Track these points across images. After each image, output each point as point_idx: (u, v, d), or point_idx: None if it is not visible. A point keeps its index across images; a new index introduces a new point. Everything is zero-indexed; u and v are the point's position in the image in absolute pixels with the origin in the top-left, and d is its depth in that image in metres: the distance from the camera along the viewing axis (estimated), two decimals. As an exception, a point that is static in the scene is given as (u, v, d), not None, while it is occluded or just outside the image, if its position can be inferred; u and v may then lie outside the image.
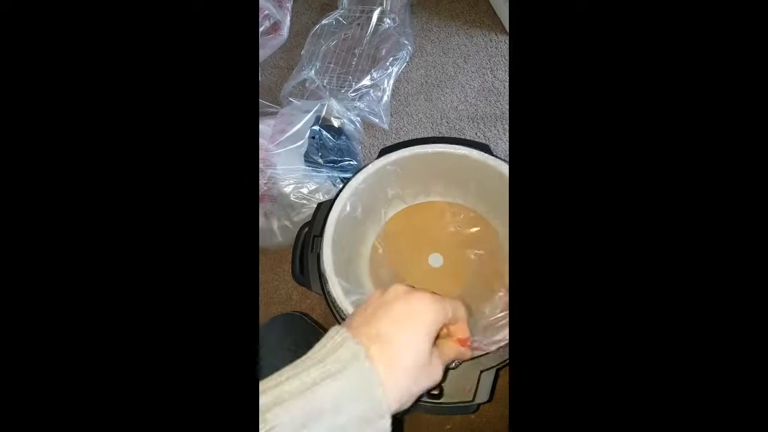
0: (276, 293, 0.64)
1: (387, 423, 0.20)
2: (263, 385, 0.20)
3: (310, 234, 0.43)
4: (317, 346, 0.22)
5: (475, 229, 0.46)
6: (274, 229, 0.58)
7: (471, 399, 0.32)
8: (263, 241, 0.61)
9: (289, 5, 0.81)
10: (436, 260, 0.45)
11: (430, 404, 0.33)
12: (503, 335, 0.32)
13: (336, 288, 0.38)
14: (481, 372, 0.33)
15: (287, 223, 0.57)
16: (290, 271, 0.48)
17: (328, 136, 0.61)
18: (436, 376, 0.23)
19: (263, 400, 0.18)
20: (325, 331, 0.45)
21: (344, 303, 0.37)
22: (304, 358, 0.21)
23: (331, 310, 0.39)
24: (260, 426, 0.17)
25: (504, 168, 0.40)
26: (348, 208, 0.42)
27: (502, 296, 0.37)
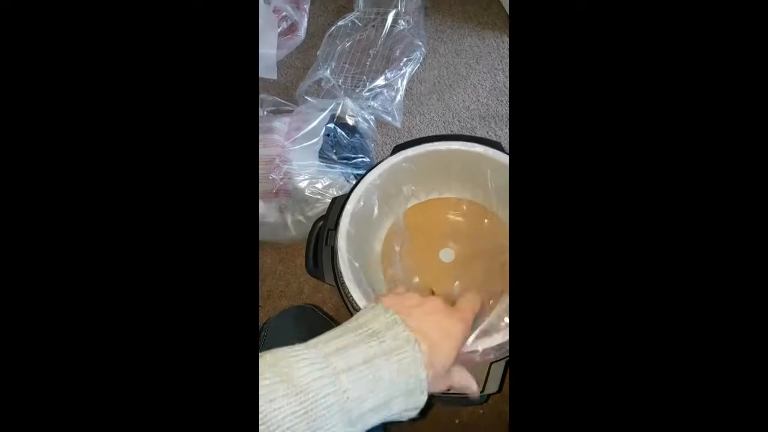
0: (288, 287, 0.64)
1: (425, 398, 0.24)
2: (327, 344, 0.22)
3: (325, 228, 0.43)
4: (368, 317, 0.24)
5: (486, 225, 0.46)
6: (288, 224, 0.59)
7: (481, 390, 0.32)
8: (277, 234, 0.62)
9: (306, 7, 0.82)
10: (447, 255, 0.45)
11: (439, 393, 0.33)
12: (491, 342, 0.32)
13: (350, 279, 0.38)
14: (491, 363, 0.33)
15: (301, 217, 0.58)
16: (302, 264, 0.48)
17: (343, 133, 0.62)
18: (442, 386, 0.26)
19: (333, 360, 0.21)
20: (337, 323, 0.46)
21: (357, 294, 0.38)
22: (356, 326, 0.24)
23: (345, 302, 0.40)
24: (336, 386, 0.20)
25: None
26: (362, 203, 0.42)
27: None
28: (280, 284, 0.64)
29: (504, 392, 0.44)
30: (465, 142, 0.43)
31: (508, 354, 0.34)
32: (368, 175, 0.43)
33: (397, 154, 0.44)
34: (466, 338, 0.27)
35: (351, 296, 0.38)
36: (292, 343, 0.41)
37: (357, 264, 0.40)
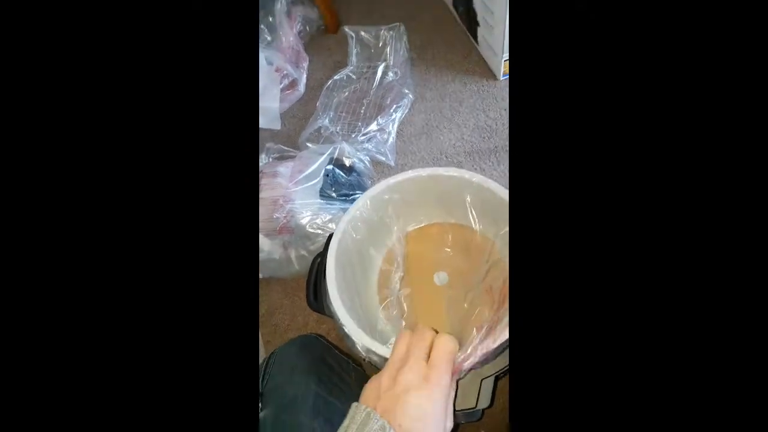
0: (293, 320, 0.65)
1: None
2: None
3: (324, 263, 0.45)
4: (347, 423, 0.25)
5: (474, 244, 0.46)
6: (292, 259, 0.61)
7: (474, 405, 0.33)
8: (282, 270, 0.64)
9: (305, 65, 0.89)
10: (441, 278, 0.46)
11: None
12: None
13: (340, 308, 0.38)
14: (482, 380, 0.34)
15: (304, 252, 0.60)
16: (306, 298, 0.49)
17: (341, 173, 0.65)
18: (450, 423, 0.27)
19: None
20: (340, 351, 0.46)
21: (348, 321, 0.37)
22: None
23: (341, 332, 0.40)
24: None
25: (491, 184, 0.42)
26: (351, 234, 0.43)
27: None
28: (286, 318, 0.65)
29: (498, 410, 0.44)
30: (442, 167, 0.44)
31: (497, 369, 0.34)
32: (351, 207, 0.44)
33: (379, 184, 0.44)
34: (448, 394, 0.27)
35: (343, 326, 0.37)
36: (295, 372, 0.41)
37: (349, 293, 0.40)
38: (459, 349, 0.29)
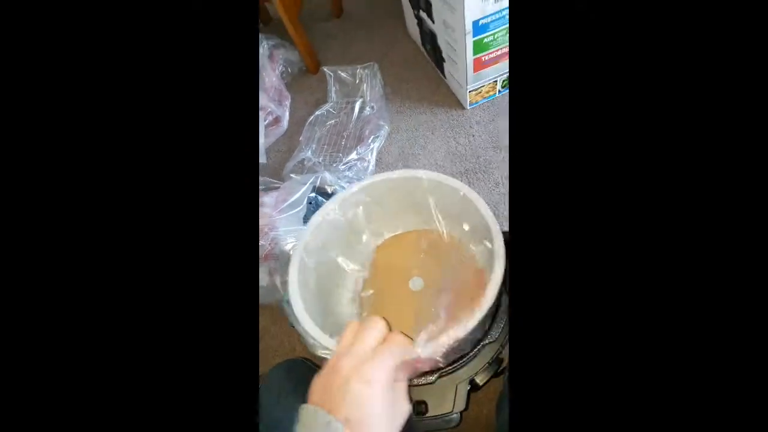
0: (281, 346, 0.65)
1: None
2: None
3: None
4: (299, 427, 0.23)
5: (446, 247, 0.47)
6: (277, 285, 0.62)
7: (451, 409, 0.34)
8: (268, 297, 0.64)
9: (287, 103, 0.94)
10: (416, 283, 0.46)
11: (416, 419, 0.34)
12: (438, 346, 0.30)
13: (307, 322, 0.37)
14: (457, 384, 0.35)
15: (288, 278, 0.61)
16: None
17: (323, 200, 0.68)
18: (404, 409, 0.26)
19: None
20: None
21: (318, 335, 0.36)
22: None
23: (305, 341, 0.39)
24: None
25: (451, 182, 0.42)
26: (316, 236, 0.42)
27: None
28: (274, 343, 0.65)
29: (481, 416, 0.44)
30: (407, 170, 0.45)
31: (471, 373, 0.35)
32: (320, 210, 0.42)
33: (350, 187, 0.44)
34: (391, 378, 0.25)
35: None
36: (282, 395, 0.41)
37: (321, 309, 0.40)
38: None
